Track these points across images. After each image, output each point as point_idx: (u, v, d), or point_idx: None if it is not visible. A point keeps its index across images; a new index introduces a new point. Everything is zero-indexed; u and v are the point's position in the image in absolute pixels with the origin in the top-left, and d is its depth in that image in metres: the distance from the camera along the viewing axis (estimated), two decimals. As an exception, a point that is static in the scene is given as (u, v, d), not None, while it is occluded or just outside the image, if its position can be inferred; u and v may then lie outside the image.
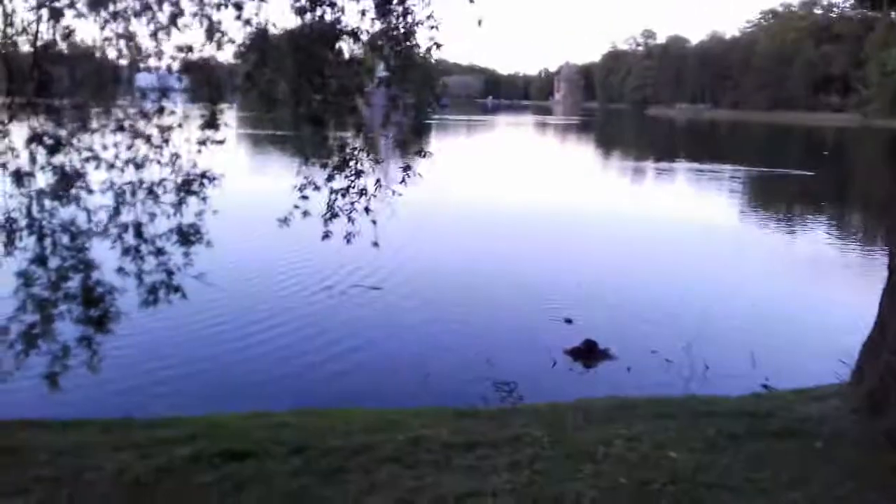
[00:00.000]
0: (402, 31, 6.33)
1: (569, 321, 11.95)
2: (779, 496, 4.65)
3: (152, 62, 6.42)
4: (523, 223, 23.00)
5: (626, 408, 6.69)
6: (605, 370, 10.40)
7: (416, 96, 6.76)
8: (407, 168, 6.72)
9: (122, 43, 6.25)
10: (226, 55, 6.53)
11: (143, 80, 6.83)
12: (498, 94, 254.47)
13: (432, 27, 6.28)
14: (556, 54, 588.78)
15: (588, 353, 10.79)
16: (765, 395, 8.16)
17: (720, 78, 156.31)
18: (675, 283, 15.83)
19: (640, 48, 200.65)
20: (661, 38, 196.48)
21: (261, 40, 6.21)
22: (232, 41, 6.31)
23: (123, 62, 6.30)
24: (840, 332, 10.72)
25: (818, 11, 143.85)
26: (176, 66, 6.42)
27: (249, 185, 25.06)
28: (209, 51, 6.29)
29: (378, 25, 6.46)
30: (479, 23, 6.79)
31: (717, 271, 17.19)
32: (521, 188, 31.45)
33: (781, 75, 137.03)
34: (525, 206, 26.51)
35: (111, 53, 6.29)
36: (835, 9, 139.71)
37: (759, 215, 27.38)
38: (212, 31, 6.04)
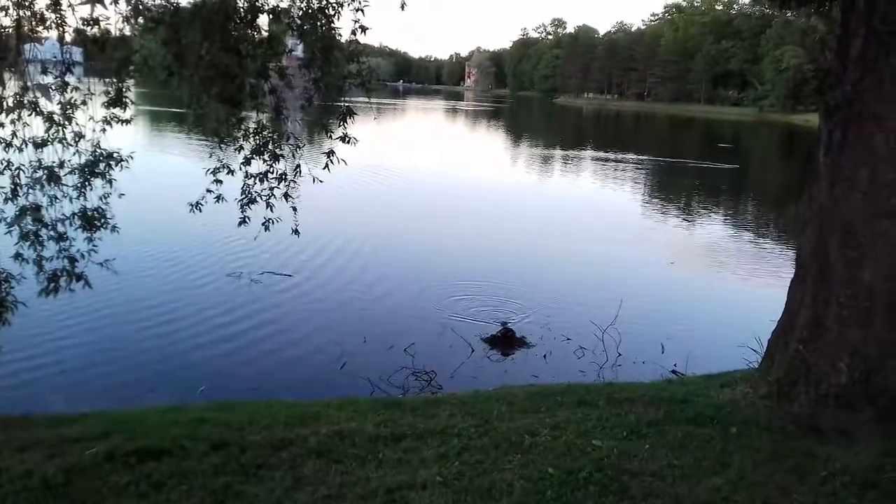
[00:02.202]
0: (326, 12, 6.12)
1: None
2: (701, 481, 4.77)
3: (54, 34, 6.02)
4: (436, 211, 23.02)
5: (547, 396, 6.73)
6: (522, 358, 10.49)
7: (337, 79, 6.55)
8: (330, 154, 6.52)
9: (21, 12, 5.83)
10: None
11: (42, 52, 6.40)
12: (409, 77, 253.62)
13: (358, 9, 6.10)
14: (468, 40, 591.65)
15: (505, 341, 10.86)
16: (676, 381, 8.38)
17: (626, 70, 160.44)
18: (588, 272, 16.14)
19: (550, 37, 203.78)
20: (570, 28, 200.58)
21: (172, 14, 5.88)
22: (141, 14, 5.98)
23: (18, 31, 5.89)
24: (745, 320, 11.22)
25: (719, 7, 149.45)
26: (78, 38, 6.05)
27: (156, 166, 24.11)
28: (116, 24, 5.94)
29: (300, 4, 6.24)
30: (403, 6, 6.66)
31: (627, 260, 17.61)
32: (434, 176, 31.44)
33: (684, 69, 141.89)
34: (437, 195, 26.58)
35: (5, 22, 5.87)
36: (735, 5, 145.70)
37: (662, 204, 28.24)
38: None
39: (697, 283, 15.96)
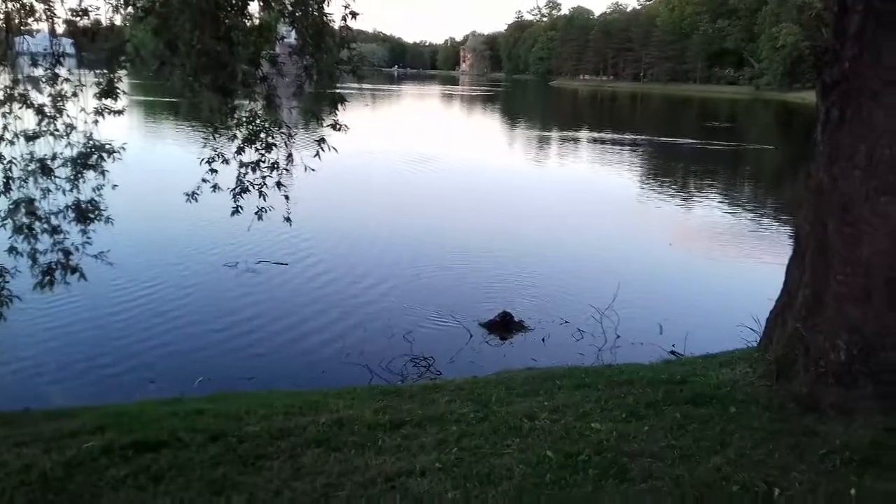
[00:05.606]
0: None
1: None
2: (701, 461, 4.76)
3: (44, 26, 5.96)
4: (432, 196, 22.96)
5: (546, 379, 6.72)
6: (520, 342, 10.48)
7: (329, 66, 6.49)
8: (321, 141, 6.48)
9: (10, 5, 5.78)
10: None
11: (32, 44, 6.34)
12: (404, 63, 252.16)
13: (348, -5, 6.02)
14: (463, 24, 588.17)
15: (503, 326, 10.84)
16: (675, 361, 8.38)
17: (621, 51, 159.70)
18: (586, 255, 16.14)
19: (545, 19, 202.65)
20: (565, 9, 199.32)
21: (162, 3, 5.83)
22: (131, 3, 5.93)
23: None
24: (743, 299, 11.21)
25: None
26: (69, 30, 6.01)
27: (149, 156, 24.02)
28: (106, 14, 5.89)
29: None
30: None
31: (625, 242, 17.59)
32: (431, 161, 31.25)
33: (680, 48, 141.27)
34: (433, 180, 26.46)
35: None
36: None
37: (657, 185, 28.10)
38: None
39: (696, 264, 15.95)
